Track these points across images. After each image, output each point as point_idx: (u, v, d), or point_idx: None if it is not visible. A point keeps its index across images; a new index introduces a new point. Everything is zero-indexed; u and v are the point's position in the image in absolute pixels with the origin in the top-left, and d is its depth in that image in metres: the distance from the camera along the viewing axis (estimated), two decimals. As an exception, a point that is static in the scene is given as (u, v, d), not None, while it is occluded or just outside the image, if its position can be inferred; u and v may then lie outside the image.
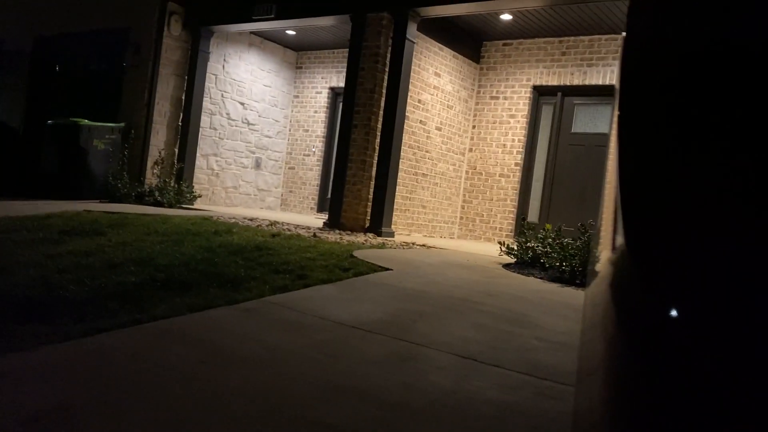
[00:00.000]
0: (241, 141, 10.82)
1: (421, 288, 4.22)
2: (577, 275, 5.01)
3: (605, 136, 8.92)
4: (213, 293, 3.68)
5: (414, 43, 7.89)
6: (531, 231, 5.99)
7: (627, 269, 0.59)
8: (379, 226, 7.62)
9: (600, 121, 9.16)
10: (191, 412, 2.00)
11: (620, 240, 0.60)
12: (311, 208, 11.30)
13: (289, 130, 11.73)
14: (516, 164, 9.36)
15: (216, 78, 10.26)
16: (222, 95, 10.40)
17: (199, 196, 9.71)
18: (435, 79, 8.84)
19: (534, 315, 3.72)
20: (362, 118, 7.80)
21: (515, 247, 5.93)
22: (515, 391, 2.39)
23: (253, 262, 4.58)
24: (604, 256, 0.69)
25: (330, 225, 7.91)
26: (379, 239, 7.05)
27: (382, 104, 7.77)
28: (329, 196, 9.27)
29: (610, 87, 8.74)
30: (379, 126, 7.79)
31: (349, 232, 7.46)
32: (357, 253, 5.36)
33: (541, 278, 5.19)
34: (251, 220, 7.59)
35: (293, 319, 3.23)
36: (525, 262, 5.77)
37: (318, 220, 9.08)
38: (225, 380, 2.31)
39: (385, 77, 7.78)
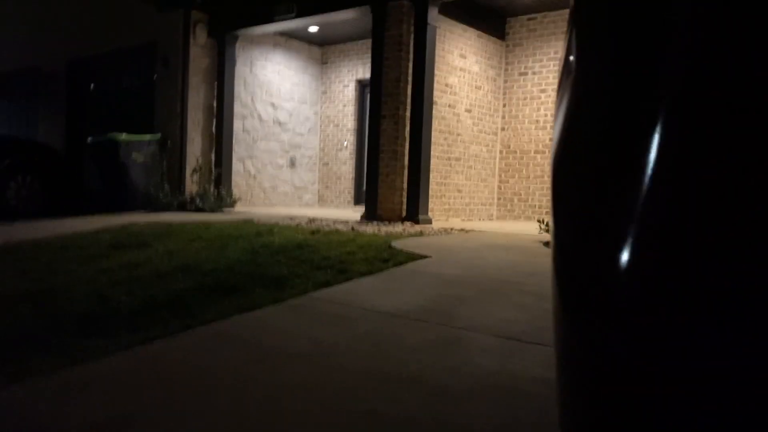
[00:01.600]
0: (274, 141, 10.97)
1: (461, 273, 4.24)
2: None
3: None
4: (258, 293, 3.78)
5: (436, 27, 7.86)
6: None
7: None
8: (416, 215, 7.65)
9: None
10: (250, 410, 2.09)
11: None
12: (348, 202, 11.40)
13: (320, 126, 11.84)
14: (551, 139, 9.24)
15: (245, 81, 10.41)
16: (252, 98, 10.56)
17: (239, 199, 9.90)
18: (461, 60, 8.79)
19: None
20: (390, 108, 7.82)
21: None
22: (560, 368, 2.41)
23: (296, 260, 4.68)
24: None
25: (367, 217, 7.98)
26: (417, 227, 7.08)
27: (409, 92, 7.78)
28: (364, 188, 9.34)
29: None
30: (408, 114, 7.80)
31: (386, 223, 7.52)
32: (395, 243, 5.41)
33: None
34: (291, 218, 7.71)
35: (337, 313, 3.30)
36: (565, 238, 5.73)
37: (355, 213, 9.16)
38: (278, 377, 2.39)
39: (410, 65, 7.79)
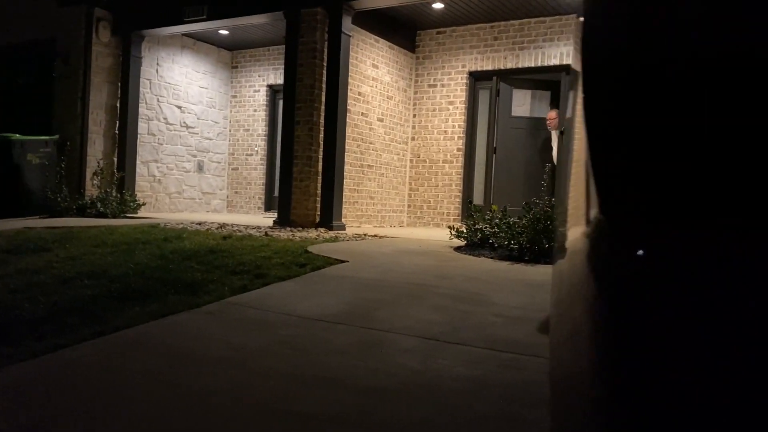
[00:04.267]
0: (181, 145, 10.65)
1: (378, 277, 4.32)
2: (525, 252, 5.21)
3: (542, 120, 9.23)
4: (172, 299, 3.68)
5: (350, 36, 7.95)
6: (478, 213, 6.16)
7: (604, 236, 0.67)
8: (330, 221, 7.68)
9: (535, 105, 9.45)
10: (166, 414, 2.04)
11: (596, 211, 0.68)
12: (258, 208, 11.25)
13: (230, 131, 11.62)
14: (458, 150, 9.56)
15: (150, 83, 10.06)
16: (158, 100, 10.21)
17: (143, 204, 9.53)
18: (373, 70, 8.93)
19: (488, 293, 3.87)
20: (304, 114, 7.82)
21: (464, 230, 6.09)
22: (480, 366, 2.52)
23: (209, 266, 4.59)
24: (578, 229, 0.76)
25: (280, 223, 7.92)
26: (331, 233, 7.11)
27: (323, 99, 7.82)
28: (276, 194, 9.26)
29: (543, 69, 9.03)
30: (322, 121, 7.83)
31: (300, 229, 7.50)
32: (312, 249, 5.42)
33: (491, 258, 5.37)
34: (199, 224, 7.52)
35: (256, 318, 3.28)
36: (475, 244, 5.95)
37: (267, 219, 9.06)
38: (196, 381, 2.35)
39: (324, 72, 7.83)
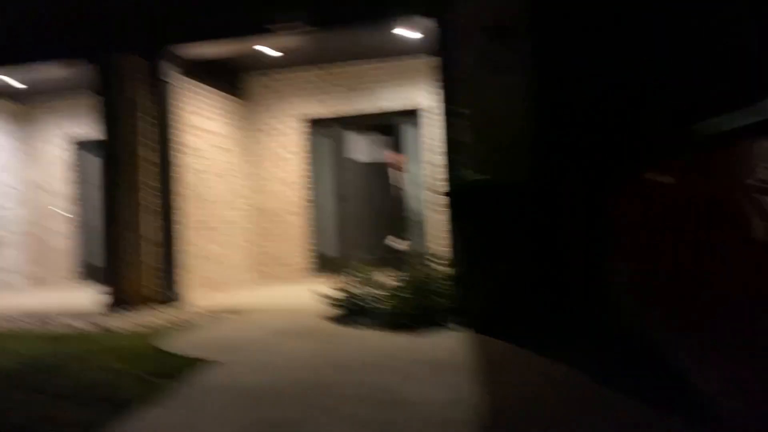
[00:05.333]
0: (-31, 218, 8.89)
1: (267, 381, 3.62)
2: (411, 318, 4.82)
3: (383, 165, 9.08)
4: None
5: (174, 86, 7.09)
6: (355, 274, 5.68)
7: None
8: (173, 296, 6.73)
9: (379, 150, 9.26)
10: None
11: None
12: (69, 280, 9.72)
13: (29, 196, 9.98)
14: (304, 200, 9.04)
15: None
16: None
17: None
18: (207, 122, 8.11)
19: (401, 387, 3.39)
20: (129, 176, 6.80)
21: (339, 296, 5.56)
22: None
23: (41, 394, 3.57)
24: None
25: (112, 304, 6.76)
26: (179, 313, 6.17)
27: (152, 158, 6.87)
28: (94, 262, 7.98)
29: (382, 114, 8.87)
30: (153, 183, 6.87)
31: (137, 310, 6.45)
32: (166, 345, 4.55)
33: (374, 329, 4.91)
34: (8, 319, 6.15)
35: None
36: (350, 311, 5.44)
37: (87, 295, 7.77)
38: None
39: (149, 128, 6.88)
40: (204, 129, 8.03)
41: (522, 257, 4.61)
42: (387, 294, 5.14)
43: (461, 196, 4.79)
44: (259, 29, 6.47)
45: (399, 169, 9.06)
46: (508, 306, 4.63)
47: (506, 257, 4.60)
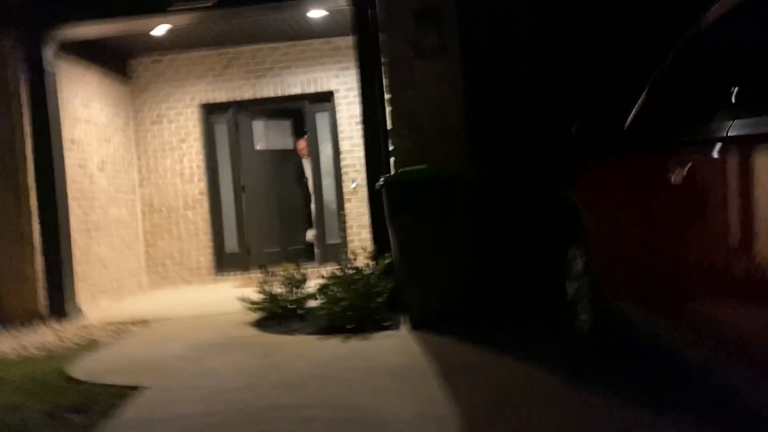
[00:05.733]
0: None
1: (205, 410, 3.17)
2: (347, 320, 4.52)
3: (290, 152, 8.65)
4: None
5: (54, 73, 6.24)
6: (251, 267, 5.27)
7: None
8: (62, 308, 5.97)
9: (279, 136, 8.81)
10: None
11: None
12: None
13: None
14: (201, 193, 8.40)
15: None
16: None
17: None
18: (84, 110, 7.24)
19: (364, 403, 3.09)
20: (5, 177, 5.92)
21: (260, 299, 5.14)
22: None
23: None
24: None
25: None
26: (74, 328, 5.47)
27: (29, 154, 6.01)
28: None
29: (283, 98, 8.42)
30: (31, 182, 6.02)
31: (21, 327, 5.64)
32: (75, 371, 3.94)
33: (309, 333, 4.57)
34: None
35: None
36: (276, 315, 5.05)
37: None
38: None
39: (26, 119, 6.01)
40: (83, 118, 7.17)
41: (464, 250, 4.44)
42: (317, 294, 4.80)
43: (396, 188, 4.53)
44: (155, 6, 5.79)
45: (308, 154, 8.69)
46: (452, 301, 4.45)
47: (448, 251, 4.41)
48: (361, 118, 5.56)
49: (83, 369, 3.99)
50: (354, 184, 8.07)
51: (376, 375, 3.54)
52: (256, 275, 5.38)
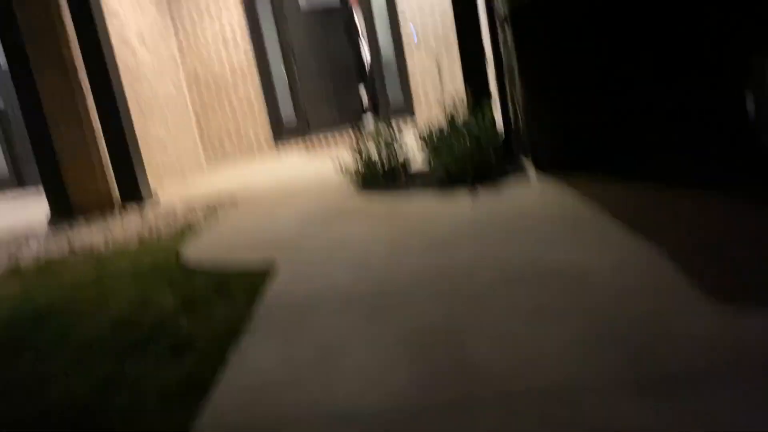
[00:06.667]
0: None
1: (353, 279, 2.81)
2: (464, 175, 4.07)
3: (336, 10, 7.84)
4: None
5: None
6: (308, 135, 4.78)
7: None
8: (138, 193, 5.63)
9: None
10: None
11: None
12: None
13: None
14: (248, 61, 7.72)
15: None
16: None
17: None
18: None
19: (559, 257, 2.69)
20: (49, 52, 5.31)
21: (361, 164, 4.68)
22: None
23: (72, 351, 2.60)
24: None
25: (59, 214, 5.55)
26: (159, 213, 5.12)
27: (70, 24, 5.36)
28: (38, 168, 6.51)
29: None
30: (78, 57, 5.42)
31: (99, 217, 5.32)
32: (190, 257, 3.58)
33: (427, 191, 4.15)
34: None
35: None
36: (378, 178, 4.61)
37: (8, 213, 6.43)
38: None
39: (62, -15, 5.30)
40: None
41: (598, 87, 3.88)
42: (430, 152, 4.33)
43: (528, 19, 3.88)
44: None
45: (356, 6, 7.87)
46: (583, 140, 3.96)
47: (581, 88, 3.86)
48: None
49: (197, 254, 3.63)
50: (415, 38, 7.32)
51: (543, 225, 3.14)
52: (317, 141, 4.92)
